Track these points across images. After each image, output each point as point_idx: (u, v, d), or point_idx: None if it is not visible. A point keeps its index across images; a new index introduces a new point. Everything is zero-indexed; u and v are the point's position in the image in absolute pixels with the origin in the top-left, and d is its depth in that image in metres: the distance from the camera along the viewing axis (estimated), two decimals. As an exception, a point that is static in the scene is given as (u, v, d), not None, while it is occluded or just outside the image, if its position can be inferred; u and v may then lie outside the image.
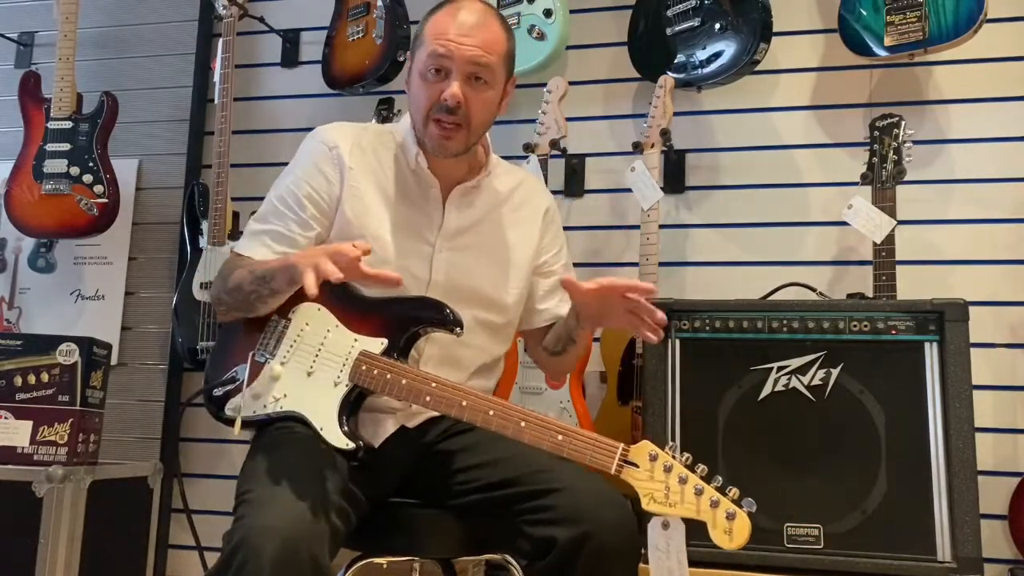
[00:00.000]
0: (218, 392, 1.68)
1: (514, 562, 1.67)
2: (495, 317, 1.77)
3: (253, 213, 2.77)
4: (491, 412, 1.51)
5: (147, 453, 3.02)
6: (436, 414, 1.65)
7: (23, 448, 2.44)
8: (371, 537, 1.63)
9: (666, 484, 1.39)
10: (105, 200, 2.96)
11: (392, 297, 1.64)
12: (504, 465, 1.57)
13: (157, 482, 2.76)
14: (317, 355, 1.62)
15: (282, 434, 1.58)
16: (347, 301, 1.66)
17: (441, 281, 1.71)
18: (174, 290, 2.93)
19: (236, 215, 2.92)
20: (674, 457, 1.41)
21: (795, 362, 1.96)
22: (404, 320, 1.62)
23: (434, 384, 1.55)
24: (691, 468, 1.40)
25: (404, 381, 1.56)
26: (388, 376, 1.56)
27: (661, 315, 1.58)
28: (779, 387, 1.95)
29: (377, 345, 1.60)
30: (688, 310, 2.04)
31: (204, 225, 2.88)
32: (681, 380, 2.01)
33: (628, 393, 2.46)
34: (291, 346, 1.64)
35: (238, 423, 1.63)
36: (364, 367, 1.58)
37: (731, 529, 1.36)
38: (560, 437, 1.47)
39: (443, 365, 1.70)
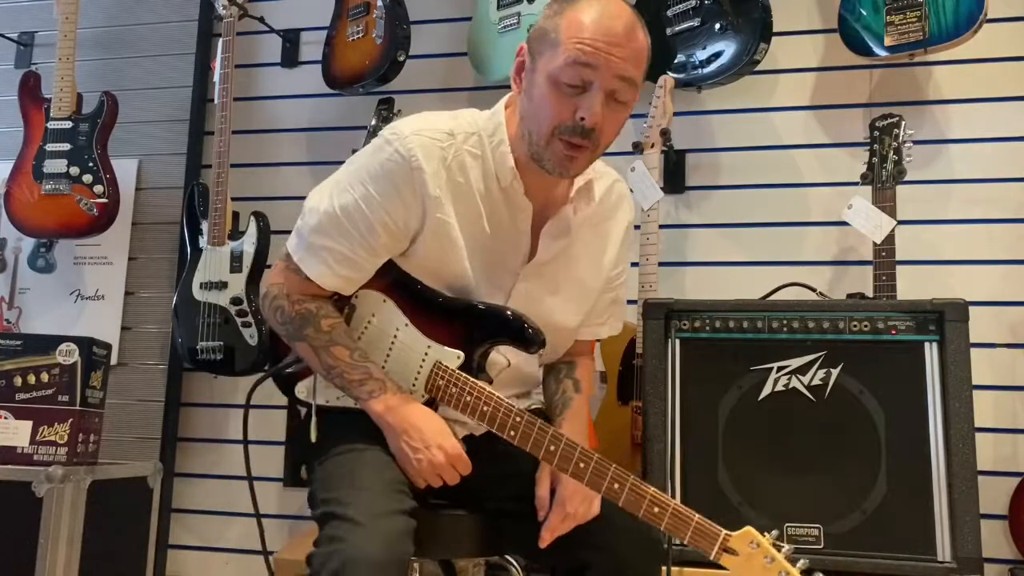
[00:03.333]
0: (290, 370, 1.64)
1: (514, 562, 1.67)
2: (559, 340, 1.70)
3: (255, 213, 2.84)
4: (582, 465, 1.43)
5: (147, 453, 3.02)
6: None
7: (23, 448, 2.44)
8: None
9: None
10: (105, 200, 2.96)
11: (468, 303, 1.55)
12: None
13: (157, 482, 2.76)
14: (389, 354, 1.57)
15: (354, 433, 1.53)
16: (417, 298, 1.57)
17: (517, 308, 1.58)
18: (174, 290, 2.93)
19: (236, 215, 2.92)
20: (775, 547, 1.36)
21: (795, 362, 1.96)
22: (482, 333, 1.53)
23: (520, 419, 1.47)
24: (792, 561, 1.35)
25: (486, 408, 1.48)
26: (467, 398, 1.49)
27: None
28: (779, 387, 1.95)
29: (453, 358, 1.52)
30: (688, 310, 2.03)
31: (204, 225, 2.88)
32: (681, 380, 2.00)
33: (628, 393, 2.46)
34: (358, 337, 1.59)
35: (313, 414, 1.59)
36: (442, 381, 1.52)
37: None
38: (656, 510, 1.39)
39: (509, 384, 1.64)
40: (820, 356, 1.94)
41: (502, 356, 1.59)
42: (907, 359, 1.91)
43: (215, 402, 3.07)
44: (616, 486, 1.41)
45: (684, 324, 2.03)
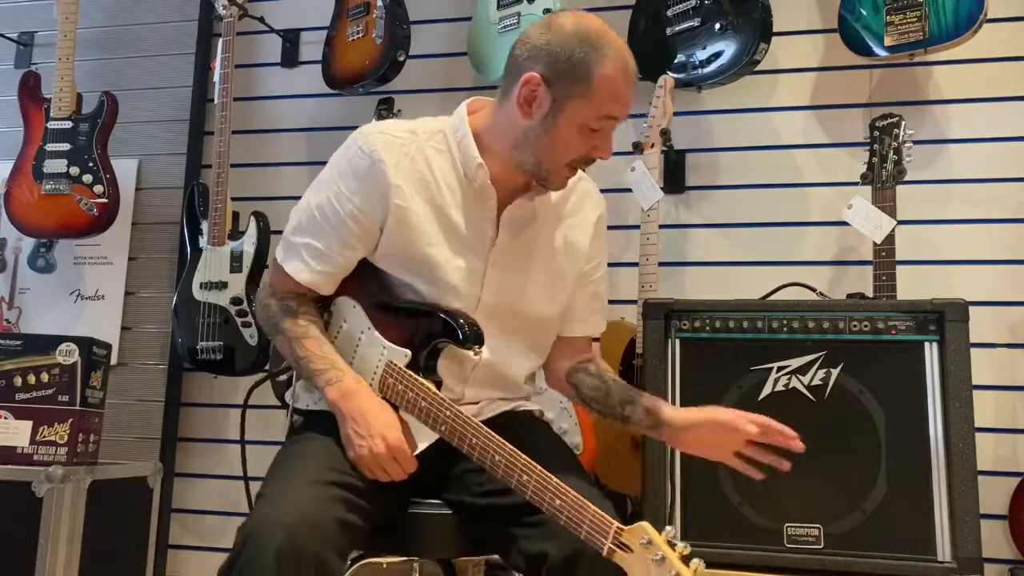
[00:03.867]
0: (282, 378, 1.73)
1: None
2: (541, 332, 1.74)
3: (255, 213, 2.84)
4: (497, 458, 1.47)
5: (147, 453, 3.02)
6: None
7: (23, 448, 2.44)
8: (372, 537, 1.63)
9: None
10: (105, 200, 2.96)
11: (420, 305, 1.61)
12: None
13: (157, 482, 2.76)
14: (354, 356, 1.63)
15: (314, 433, 1.58)
16: (380, 303, 1.64)
17: (491, 300, 1.65)
18: (174, 290, 2.93)
19: (236, 215, 2.92)
20: (670, 545, 1.32)
21: (795, 362, 1.96)
22: (426, 333, 1.58)
23: (448, 413, 1.52)
24: (685, 561, 1.31)
25: (423, 403, 1.54)
26: (410, 394, 1.55)
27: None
28: (779, 387, 1.95)
29: (401, 357, 1.58)
30: (688, 310, 2.04)
31: (204, 225, 2.88)
32: (681, 380, 2.00)
33: (628, 393, 2.45)
34: (333, 341, 1.65)
35: (290, 414, 1.66)
36: (391, 379, 1.57)
37: None
38: (558, 502, 1.40)
39: (488, 384, 1.68)
40: (820, 356, 1.95)
41: (469, 352, 1.62)
42: (907, 359, 1.91)
43: (215, 402, 3.07)
44: (525, 478, 1.44)
45: (684, 324, 2.03)
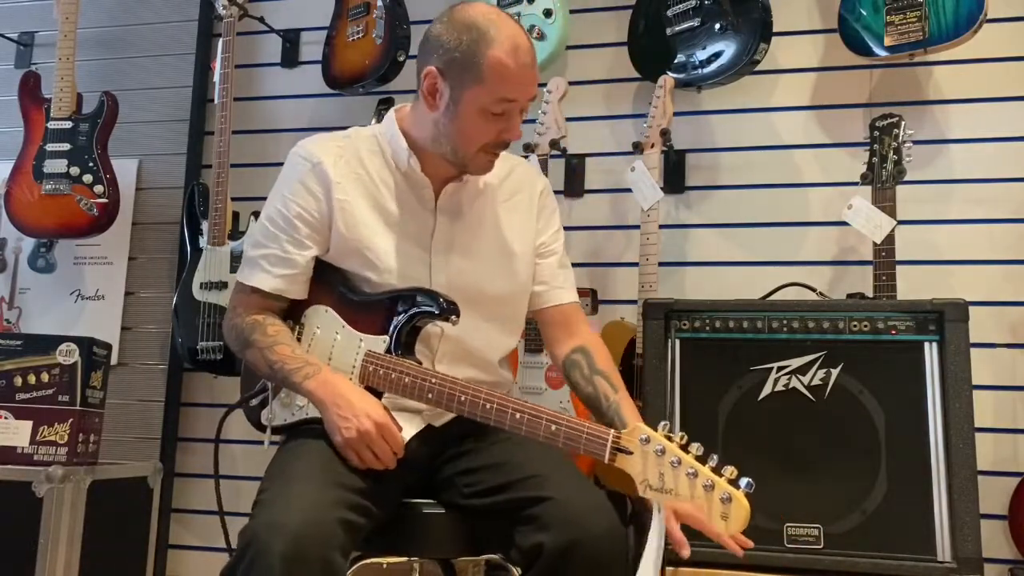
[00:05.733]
0: (253, 403, 1.75)
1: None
2: (503, 310, 1.77)
3: (255, 213, 2.84)
4: (488, 405, 1.52)
5: (147, 453, 3.02)
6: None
7: (23, 448, 2.44)
8: (372, 537, 1.63)
9: (659, 469, 1.36)
10: (105, 200, 2.96)
11: (390, 291, 1.65)
12: (503, 470, 1.57)
13: (157, 482, 2.76)
14: (331, 357, 1.65)
15: (306, 437, 1.60)
16: (349, 299, 1.68)
17: (442, 284, 1.69)
18: (174, 290, 2.93)
19: (236, 215, 2.92)
20: (668, 438, 1.38)
21: (795, 362, 1.96)
22: (399, 316, 1.62)
23: (434, 380, 1.56)
24: (685, 448, 1.36)
25: (407, 379, 1.57)
26: (392, 375, 1.58)
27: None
28: (779, 387, 1.95)
29: (380, 344, 1.62)
30: (688, 310, 2.04)
31: (204, 225, 2.88)
32: (681, 380, 2.00)
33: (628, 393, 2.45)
34: (307, 348, 1.68)
35: (268, 433, 1.69)
36: (371, 367, 1.61)
37: (728, 513, 1.32)
38: (554, 427, 1.47)
39: (459, 362, 1.70)
40: (820, 356, 1.94)
41: (437, 327, 1.67)
42: (907, 359, 1.91)
43: (215, 402, 3.07)
44: (519, 416, 1.50)
45: (684, 324, 2.03)
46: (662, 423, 1.41)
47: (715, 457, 1.35)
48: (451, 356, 1.70)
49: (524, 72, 1.61)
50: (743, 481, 1.32)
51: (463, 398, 1.54)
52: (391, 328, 1.62)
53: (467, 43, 1.59)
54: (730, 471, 1.33)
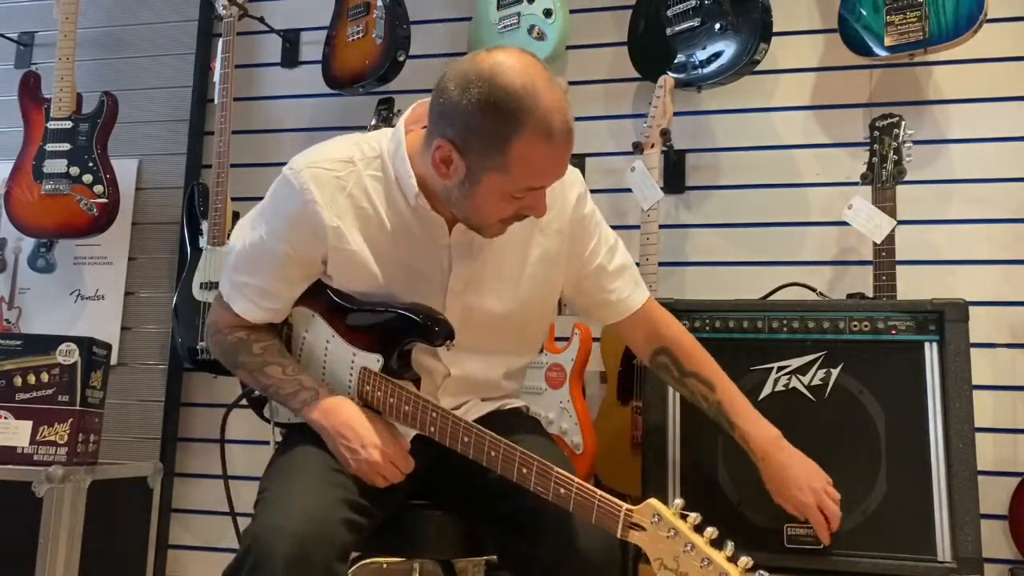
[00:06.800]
0: (256, 394, 1.72)
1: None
2: (520, 342, 1.71)
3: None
4: (493, 454, 1.45)
5: (147, 453, 3.02)
6: None
7: (23, 448, 2.44)
8: (372, 537, 1.63)
9: (674, 552, 1.33)
10: (105, 200, 2.96)
11: (381, 306, 1.56)
12: (502, 476, 1.55)
13: (157, 482, 2.76)
14: (324, 367, 1.61)
15: (306, 435, 1.56)
16: (340, 309, 1.60)
17: (456, 321, 1.56)
18: (174, 290, 2.93)
19: (236, 215, 2.92)
20: (682, 516, 1.34)
21: (795, 362, 1.95)
22: (393, 333, 1.54)
23: (435, 413, 1.49)
24: (699, 530, 1.33)
25: (407, 408, 1.51)
26: (391, 400, 1.52)
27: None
28: (779, 387, 1.95)
29: (374, 362, 1.55)
30: (688, 310, 2.03)
31: (204, 225, 2.88)
32: (681, 380, 2.00)
33: (628, 393, 2.46)
34: (298, 355, 1.65)
35: (273, 432, 1.67)
36: (369, 386, 1.55)
37: None
38: (563, 491, 1.39)
39: (462, 391, 1.65)
40: (820, 356, 1.94)
41: (442, 364, 1.60)
42: (907, 359, 1.91)
43: (215, 402, 3.07)
44: (524, 470, 1.42)
45: (684, 324, 2.03)
46: (677, 501, 1.37)
47: (730, 545, 1.33)
48: (455, 390, 1.64)
49: (558, 157, 1.42)
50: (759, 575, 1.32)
51: (466, 440, 1.47)
52: (385, 349, 1.54)
53: (492, 126, 1.36)
54: (744, 562, 1.31)
